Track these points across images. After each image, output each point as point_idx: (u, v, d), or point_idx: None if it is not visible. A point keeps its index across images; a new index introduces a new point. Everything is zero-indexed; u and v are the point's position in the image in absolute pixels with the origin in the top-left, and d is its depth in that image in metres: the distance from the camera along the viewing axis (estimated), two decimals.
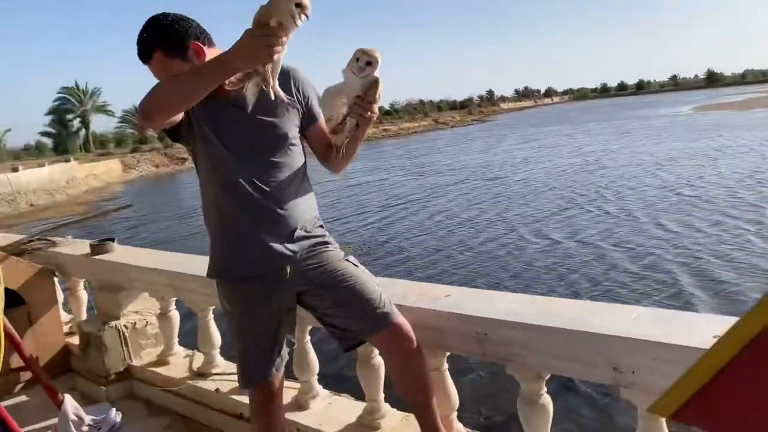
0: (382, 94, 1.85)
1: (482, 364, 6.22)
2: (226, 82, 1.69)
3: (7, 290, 3.03)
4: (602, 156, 28.48)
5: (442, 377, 2.32)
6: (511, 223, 15.14)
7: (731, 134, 32.84)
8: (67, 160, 41.46)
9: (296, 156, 2.02)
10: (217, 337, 3.29)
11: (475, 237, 13.79)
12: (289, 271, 1.98)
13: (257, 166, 1.93)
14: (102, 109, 64.31)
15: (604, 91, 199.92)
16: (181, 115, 1.85)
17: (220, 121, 1.89)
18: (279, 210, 1.94)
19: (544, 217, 15.39)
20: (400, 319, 2.03)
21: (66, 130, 61.96)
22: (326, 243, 2.08)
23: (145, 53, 1.87)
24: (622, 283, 9.57)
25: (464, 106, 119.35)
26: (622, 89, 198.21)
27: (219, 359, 3.32)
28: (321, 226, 2.12)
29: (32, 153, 57.95)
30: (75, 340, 3.99)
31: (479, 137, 53.46)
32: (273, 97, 1.74)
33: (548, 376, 2.04)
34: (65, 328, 4.12)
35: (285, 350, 2.10)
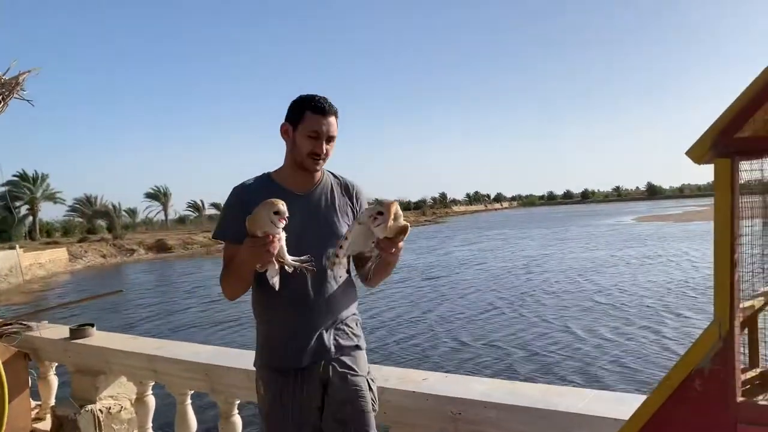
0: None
1: None
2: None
3: None
4: (534, 261, 30.38)
5: None
6: (432, 321, 16.32)
7: (665, 244, 34.83)
8: (12, 248, 40.27)
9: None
10: (193, 422, 3.39)
11: (396, 334, 14.64)
12: (322, 365, 2.12)
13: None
14: (52, 197, 63.23)
15: (551, 199, 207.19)
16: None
17: None
18: (322, 304, 2.12)
19: (464, 318, 16.58)
20: None
21: (12, 217, 60.45)
22: (359, 347, 2.23)
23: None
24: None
25: (418, 207, 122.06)
26: (568, 197, 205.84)
27: None
28: (358, 324, 2.27)
29: None
30: (41, 425, 4.01)
31: (428, 237, 55.02)
32: (291, 270, 1.98)
33: None
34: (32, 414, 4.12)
35: None
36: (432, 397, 2.35)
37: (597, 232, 49.22)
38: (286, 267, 1.97)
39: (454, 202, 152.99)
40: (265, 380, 2.17)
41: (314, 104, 2.10)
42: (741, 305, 1.25)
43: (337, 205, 2.22)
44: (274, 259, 1.92)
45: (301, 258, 1.98)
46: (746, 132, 1.14)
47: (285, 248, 1.94)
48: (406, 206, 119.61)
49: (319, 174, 2.22)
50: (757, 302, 1.25)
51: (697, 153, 1.05)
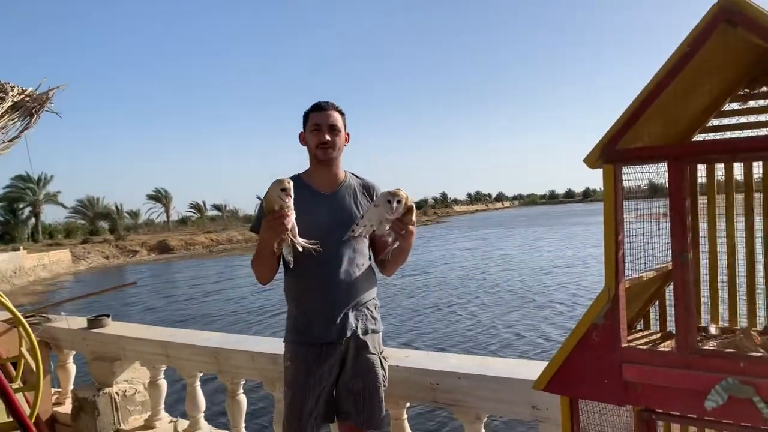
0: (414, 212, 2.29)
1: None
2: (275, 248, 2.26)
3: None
4: (502, 260, 31.87)
5: (402, 426, 2.86)
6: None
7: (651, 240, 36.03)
8: (15, 249, 40.69)
9: (364, 245, 2.50)
10: (202, 402, 3.72)
11: None
12: (343, 341, 2.42)
13: (332, 250, 2.39)
14: (53, 200, 63.53)
15: (552, 198, 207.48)
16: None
17: (302, 214, 2.25)
18: (346, 288, 2.41)
19: (416, 315, 17.54)
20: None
21: (15, 219, 60.81)
22: (376, 330, 2.52)
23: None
24: None
25: (419, 206, 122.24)
26: (569, 196, 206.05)
27: (203, 422, 3.74)
28: (377, 308, 2.56)
29: None
30: (62, 409, 4.35)
31: (422, 237, 55.88)
32: (301, 249, 2.26)
33: (486, 418, 2.62)
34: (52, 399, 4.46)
35: (321, 416, 2.45)
36: (413, 370, 2.69)
37: (583, 231, 49.80)
38: (297, 245, 2.25)
39: (456, 201, 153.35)
40: (292, 353, 2.47)
41: (314, 105, 2.47)
42: (642, 275, 1.59)
43: (359, 203, 2.51)
44: (286, 236, 2.20)
45: (309, 240, 2.27)
46: (643, 142, 1.47)
47: (296, 228, 2.23)
48: None
49: (342, 175, 2.54)
50: (652, 274, 1.59)
51: (591, 160, 1.38)
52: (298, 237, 2.25)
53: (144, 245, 54.12)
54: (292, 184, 2.12)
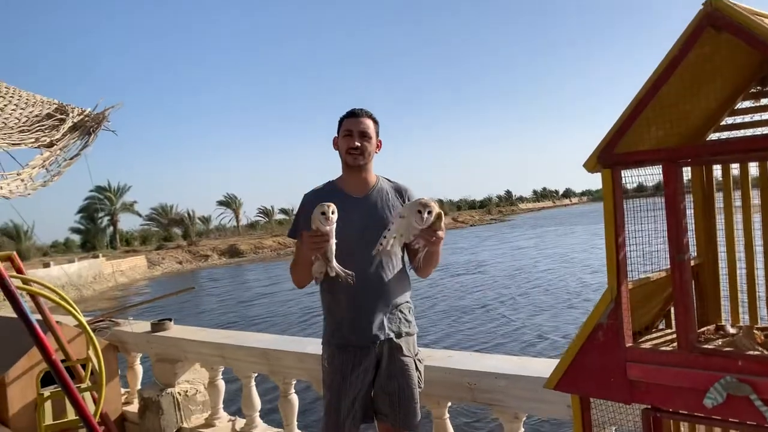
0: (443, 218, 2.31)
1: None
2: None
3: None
4: (551, 259, 31.23)
5: (444, 425, 2.93)
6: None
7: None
8: (96, 257, 42.73)
9: (398, 248, 2.52)
10: (257, 401, 3.88)
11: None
12: (378, 344, 2.50)
13: (365, 254, 2.41)
14: (129, 209, 66.31)
15: (623, 192, 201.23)
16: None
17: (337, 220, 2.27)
18: (379, 292, 2.49)
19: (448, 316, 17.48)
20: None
21: (95, 227, 63.79)
22: (410, 333, 2.58)
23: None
24: None
25: (483, 205, 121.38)
26: (640, 190, 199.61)
27: (258, 421, 3.91)
28: (410, 311, 2.63)
29: (59, 249, 59.61)
30: (130, 408, 4.61)
31: (478, 237, 55.14)
32: (333, 274, 2.33)
33: (525, 417, 2.65)
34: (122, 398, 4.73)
35: (359, 417, 2.52)
36: (452, 371, 2.74)
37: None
38: (328, 269, 2.31)
39: (521, 199, 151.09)
40: (329, 356, 2.56)
41: (348, 112, 2.56)
42: (651, 276, 1.61)
43: (391, 206, 2.56)
44: (320, 256, 2.28)
45: (346, 270, 2.33)
46: (648, 144, 1.50)
47: (333, 252, 2.28)
48: (471, 205, 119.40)
49: (373, 178, 2.62)
50: (659, 274, 1.60)
51: (590, 165, 1.41)
52: (333, 261, 2.30)
53: (215, 250, 55.78)
54: (333, 209, 2.17)
